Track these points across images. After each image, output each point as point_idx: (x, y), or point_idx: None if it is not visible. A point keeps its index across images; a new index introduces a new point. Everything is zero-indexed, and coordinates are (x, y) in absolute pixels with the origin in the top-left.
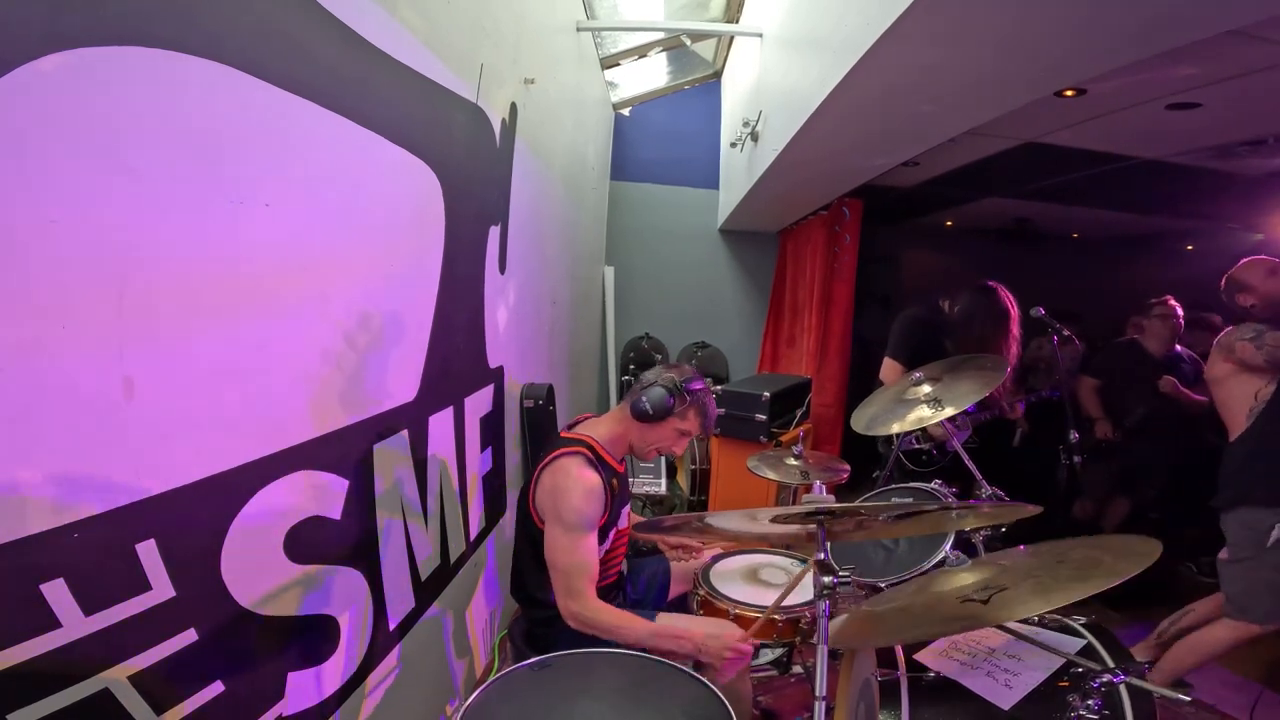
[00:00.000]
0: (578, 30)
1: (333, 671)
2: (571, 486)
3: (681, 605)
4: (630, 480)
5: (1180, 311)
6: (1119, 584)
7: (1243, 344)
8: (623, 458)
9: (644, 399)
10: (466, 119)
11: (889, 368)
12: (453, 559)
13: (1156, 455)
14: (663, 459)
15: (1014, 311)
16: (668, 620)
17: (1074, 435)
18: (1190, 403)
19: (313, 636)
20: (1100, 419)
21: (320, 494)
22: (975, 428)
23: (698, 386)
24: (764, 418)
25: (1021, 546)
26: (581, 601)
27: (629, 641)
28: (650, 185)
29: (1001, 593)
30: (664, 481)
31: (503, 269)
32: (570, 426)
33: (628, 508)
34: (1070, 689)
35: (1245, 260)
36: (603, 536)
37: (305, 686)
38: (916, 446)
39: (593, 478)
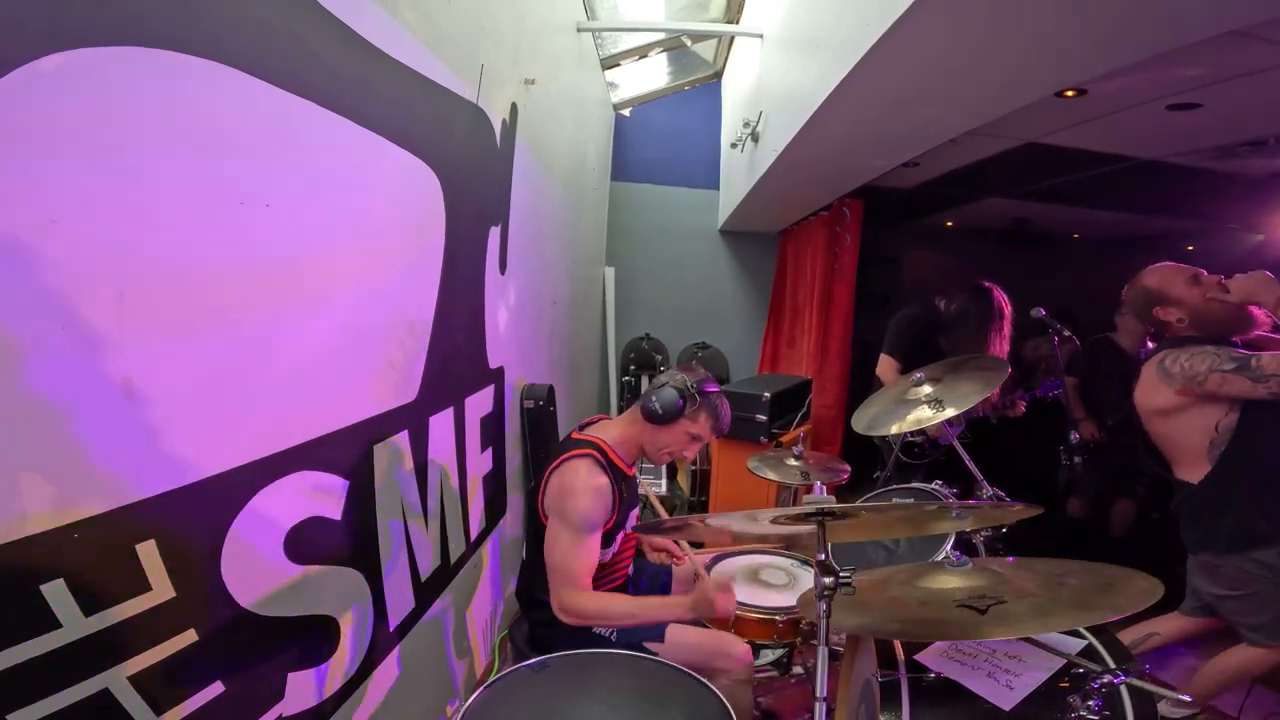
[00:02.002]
0: (578, 31)
1: (333, 672)
2: (580, 488)
3: None
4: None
5: None
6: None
7: (1218, 375)
8: (633, 461)
9: (655, 400)
10: (467, 119)
11: (885, 365)
12: (453, 559)
13: (1144, 453)
14: None
15: (1008, 311)
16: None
17: (1074, 436)
18: None
19: (313, 637)
20: (1084, 419)
21: (320, 494)
22: (969, 423)
23: (711, 389)
24: (764, 418)
25: (1010, 558)
26: (571, 595)
27: (619, 620)
28: (651, 186)
29: (999, 605)
30: (664, 482)
31: (503, 269)
32: (582, 427)
33: (636, 510)
34: (1071, 690)
35: (1154, 268)
36: (609, 540)
37: (305, 687)
38: (910, 439)
39: (601, 480)
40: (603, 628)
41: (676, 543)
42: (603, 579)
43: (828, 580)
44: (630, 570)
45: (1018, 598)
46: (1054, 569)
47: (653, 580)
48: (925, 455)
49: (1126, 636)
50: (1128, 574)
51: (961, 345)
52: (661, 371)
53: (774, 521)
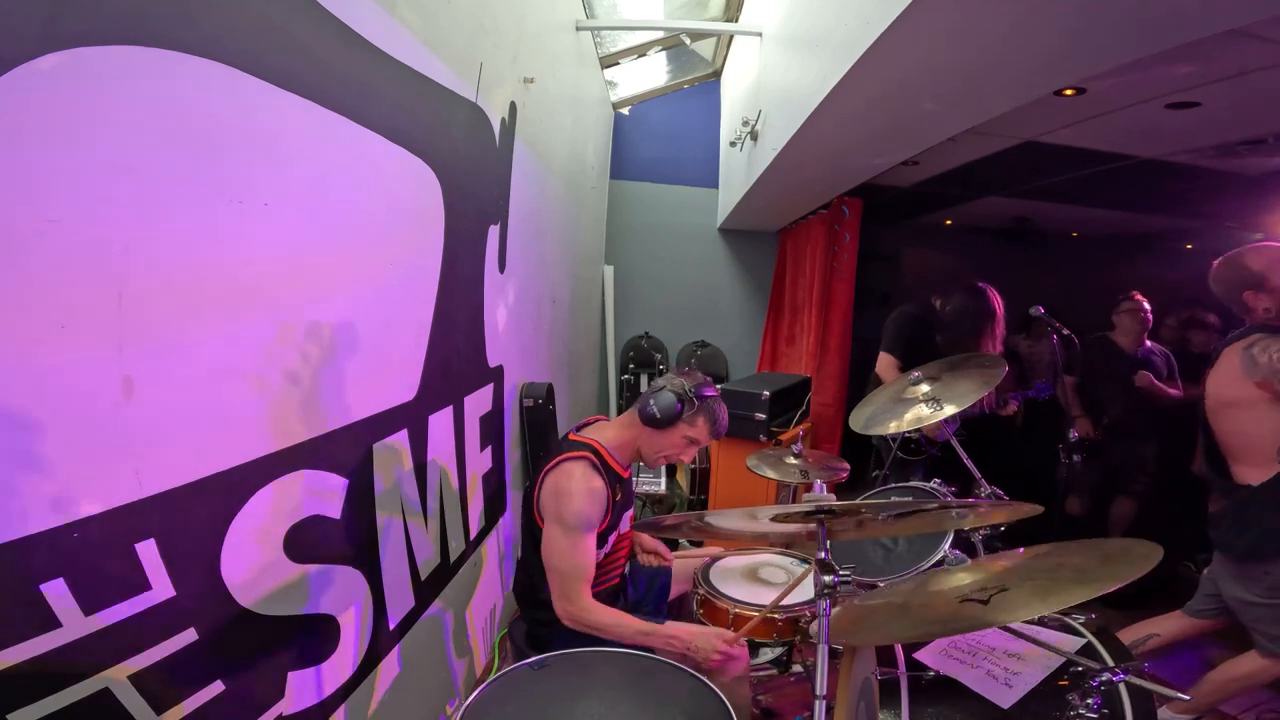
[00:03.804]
0: (577, 29)
1: (333, 671)
2: (575, 490)
3: (682, 605)
4: (634, 481)
5: (1148, 307)
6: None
7: None
8: (629, 464)
9: (653, 404)
10: (466, 118)
11: (885, 362)
12: (453, 558)
13: (1142, 451)
14: None
15: (1000, 312)
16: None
17: (1073, 434)
18: (1166, 397)
19: (313, 636)
20: (1080, 417)
21: (320, 493)
22: (964, 421)
23: (709, 393)
24: (763, 417)
25: (1020, 549)
26: (576, 601)
27: (621, 640)
28: (650, 184)
29: (1001, 593)
30: (664, 481)
31: (502, 268)
32: (579, 428)
33: (630, 512)
34: (1070, 688)
35: (1258, 248)
36: (603, 541)
37: (305, 686)
38: (907, 435)
39: (596, 482)
40: None
41: (677, 543)
42: (597, 579)
43: (827, 578)
44: (626, 569)
45: (1019, 583)
46: (1053, 552)
47: (651, 580)
48: (921, 451)
49: (1126, 636)
50: (1124, 543)
51: (957, 344)
52: (661, 371)
53: (774, 519)
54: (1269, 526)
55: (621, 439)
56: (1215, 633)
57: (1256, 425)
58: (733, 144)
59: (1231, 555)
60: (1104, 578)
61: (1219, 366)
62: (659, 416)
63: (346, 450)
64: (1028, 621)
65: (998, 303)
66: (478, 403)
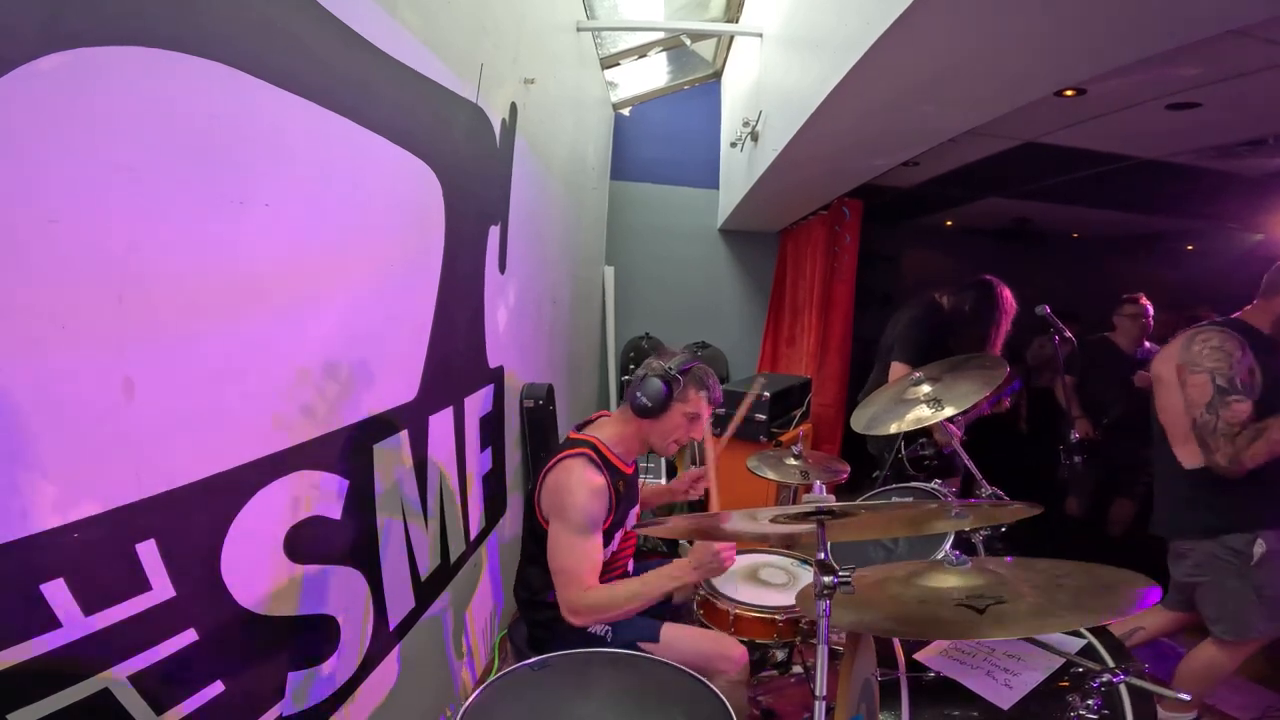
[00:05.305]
0: (578, 30)
1: (333, 672)
2: (575, 487)
3: (683, 604)
4: (641, 481)
5: (1150, 310)
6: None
7: (1203, 379)
8: (633, 459)
9: (640, 394)
10: (467, 119)
11: (902, 374)
12: (453, 559)
13: (1142, 452)
14: (662, 460)
15: (1011, 309)
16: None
17: (1074, 435)
18: None
19: (313, 636)
20: (1080, 418)
21: (320, 494)
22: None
23: (691, 364)
24: (764, 417)
25: (1009, 558)
26: (577, 593)
27: (629, 603)
28: (650, 185)
29: (998, 605)
30: (664, 480)
31: (503, 269)
32: (581, 426)
33: (635, 509)
34: (1070, 689)
35: None
36: (608, 538)
37: (305, 686)
38: (921, 453)
39: (596, 478)
40: (598, 627)
41: (676, 545)
42: (601, 578)
43: (827, 579)
44: (630, 568)
45: (1016, 598)
46: (1053, 569)
47: None
48: (933, 466)
49: (1114, 631)
50: (1126, 575)
51: (970, 344)
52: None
53: (774, 520)
54: (1211, 504)
55: (622, 434)
56: (1197, 624)
57: (1173, 403)
58: (733, 145)
59: (1161, 533)
60: (1101, 609)
61: (1172, 340)
62: (651, 405)
63: (347, 450)
64: None
65: (1011, 299)
66: (478, 403)
